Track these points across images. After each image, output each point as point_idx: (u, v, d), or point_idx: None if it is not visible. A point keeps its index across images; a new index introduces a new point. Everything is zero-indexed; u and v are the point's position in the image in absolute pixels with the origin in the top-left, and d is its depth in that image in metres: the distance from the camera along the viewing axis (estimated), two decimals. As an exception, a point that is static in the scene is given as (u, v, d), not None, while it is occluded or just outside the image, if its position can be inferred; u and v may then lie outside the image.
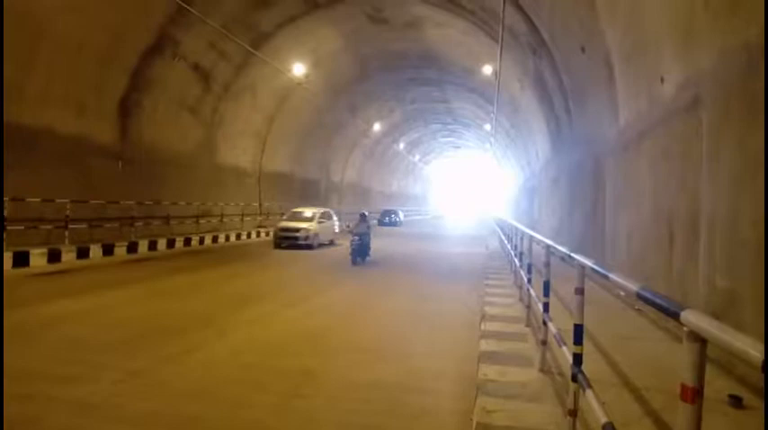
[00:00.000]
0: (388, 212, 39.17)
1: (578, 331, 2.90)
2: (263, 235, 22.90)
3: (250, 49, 18.70)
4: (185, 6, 14.73)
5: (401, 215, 40.50)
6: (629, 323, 6.21)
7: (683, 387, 1.45)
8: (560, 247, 3.52)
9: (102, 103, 14.74)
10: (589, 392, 2.52)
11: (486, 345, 5.11)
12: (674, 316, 1.53)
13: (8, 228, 10.98)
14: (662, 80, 7.08)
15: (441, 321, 7.04)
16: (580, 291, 2.93)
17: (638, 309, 6.76)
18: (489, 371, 4.28)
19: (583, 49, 10.70)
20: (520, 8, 12.83)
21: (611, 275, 2.17)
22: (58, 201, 12.51)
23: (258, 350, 5.47)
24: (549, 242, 4.26)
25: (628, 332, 5.75)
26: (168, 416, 3.62)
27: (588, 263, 2.66)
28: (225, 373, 4.63)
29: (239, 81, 20.22)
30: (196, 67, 17.81)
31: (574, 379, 2.94)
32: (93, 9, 12.84)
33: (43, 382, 4.18)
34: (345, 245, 15.28)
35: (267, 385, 4.33)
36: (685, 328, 1.45)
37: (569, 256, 3.16)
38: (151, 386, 4.21)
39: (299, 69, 21.97)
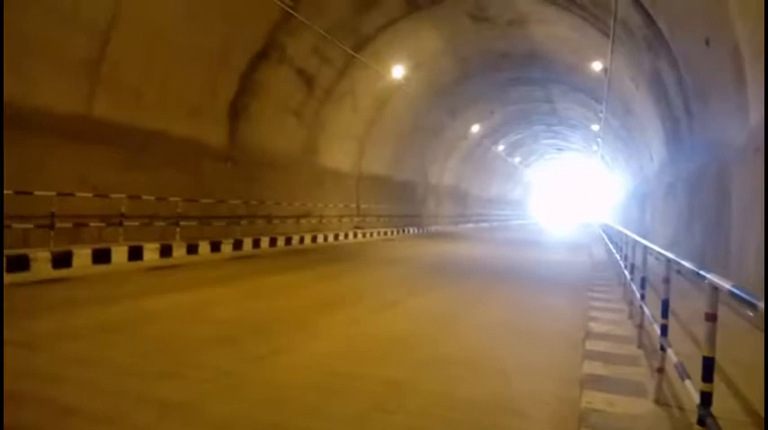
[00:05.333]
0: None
1: (708, 365, 2.44)
2: (359, 236, 23.14)
3: (352, 52, 18.94)
4: (292, 12, 15.21)
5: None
6: (757, 348, 5.38)
7: None
8: (686, 263, 3.01)
9: (213, 106, 15.54)
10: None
11: (590, 367, 4.61)
12: None
13: (125, 223, 11.83)
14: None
15: (540, 336, 6.54)
16: (711, 318, 2.46)
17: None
18: (595, 399, 3.81)
19: (707, 42, 9.65)
20: (635, -1, 11.87)
21: (760, 304, 1.72)
22: (171, 199, 13.30)
23: (345, 355, 5.33)
24: (671, 255, 3.72)
25: (757, 359, 4.97)
26: (245, 422, 3.54)
27: (726, 285, 2.19)
28: (308, 378, 4.51)
29: (340, 85, 20.56)
30: (300, 72, 18.31)
31: (701, 422, 2.47)
32: (207, 17, 13.55)
33: (134, 378, 4.28)
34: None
35: (348, 394, 4.15)
36: None
37: (698, 275, 2.68)
38: (234, 387, 4.18)
39: (398, 72, 21.96)
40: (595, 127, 29.54)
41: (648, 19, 12.20)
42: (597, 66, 18.63)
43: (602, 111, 22.76)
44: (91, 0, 10.87)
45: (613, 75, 16.68)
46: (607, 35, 13.75)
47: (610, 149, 31.33)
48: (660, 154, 17.10)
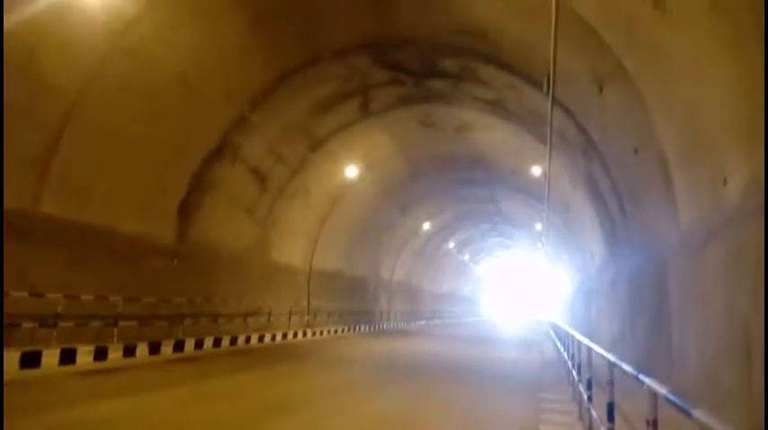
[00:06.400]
0: None
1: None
2: (309, 334, 22.55)
3: (307, 152, 19.52)
4: (248, 116, 15.75)
5: None
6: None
7: None
8: (625, 366, 3.12)
9: (163, 203, 15.42)
10: None
11: (543, 474, 4.52)
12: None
13: (59, 324, 11.19)
14: (725, 181, 6.73)
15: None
16: (653, 424, 2.52)
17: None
18: None
19: (636, 151, 10.51)
20: (568, 111, 12.94)
21: (694, 412, 1.80)
22: (111, 298, 12.76)
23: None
24: (612, 358, 3.83)
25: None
26: None
27: (662, 391, 2.28)
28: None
29: (294, 183, 20.93)
30: (254, 170, 18.59)
31: None
32: (163, 117, 13.79)
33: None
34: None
35: None
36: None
37: (637, 379, 2.77)
38: None
39: (351, 171, 22.63)
40: (539, 226, 30.76)
41: (581, 128, 13.27)
42: (537, 169, 19.76)
43: (543, 211, 23.84)
44: (46, 99, 10.94)
45: (552, 177, 17.72)
46: (544, 142, 14.77)
47: (553, 247, 32.49)
48: (601, 252, 17.86)
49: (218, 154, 16.43)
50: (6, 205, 10.66)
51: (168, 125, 14.14)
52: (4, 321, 10.18)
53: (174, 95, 13.65)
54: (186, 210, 16.18)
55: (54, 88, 10.97)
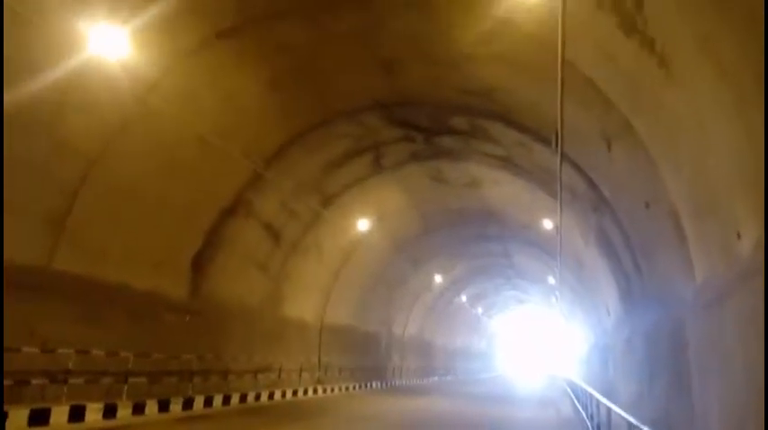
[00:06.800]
0: None
1: None
2: (320, 392, 22.13)
3: (320, 207, 19.78)
4: (262, 173, 16.11)
5: None
6: None
7: None
8: (645, 428, 3.06)
9: (177, 260, 15.55)
10: None
11: None
12: None
13: (70, 381, 11.14)
14: (738, 235, 6.72)
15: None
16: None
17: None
18: None
19: (647, 205, 10.53)
20: (577, 167, 13.08)
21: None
22: (122, 354, 12.72)
23: None
24: (633, 420, 3.76)
25: None
26: None
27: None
28: None
29: (307, 238, 21.09)
30: (267, 227, 18.80)
31: None
32: (180, 175, 14.13)
33: None
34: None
35: None
36: None
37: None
38: None
39: (363, 225, 22.78)
40: (552, 280, 30.48)
41: (591, 184, 13.35)
42: (548, 224, 19.78)
43: (556, 266, 23.67)
44: (63, 159, 11.24)
45: (564, 232, 17.69)
46: (555, 197, 14.85)
47: (568, 302, 32.02)
48: (616, 308, 17.57)
49: (232, 211, 16.69)
50: (21, 261, 10.84)
51: (184, 183, 14.45)
52: (15, 378, 10.17)
53: (190, 154, 14.03)
54: (200, 265, 16.30)
55: (74, 148, 11.33)
